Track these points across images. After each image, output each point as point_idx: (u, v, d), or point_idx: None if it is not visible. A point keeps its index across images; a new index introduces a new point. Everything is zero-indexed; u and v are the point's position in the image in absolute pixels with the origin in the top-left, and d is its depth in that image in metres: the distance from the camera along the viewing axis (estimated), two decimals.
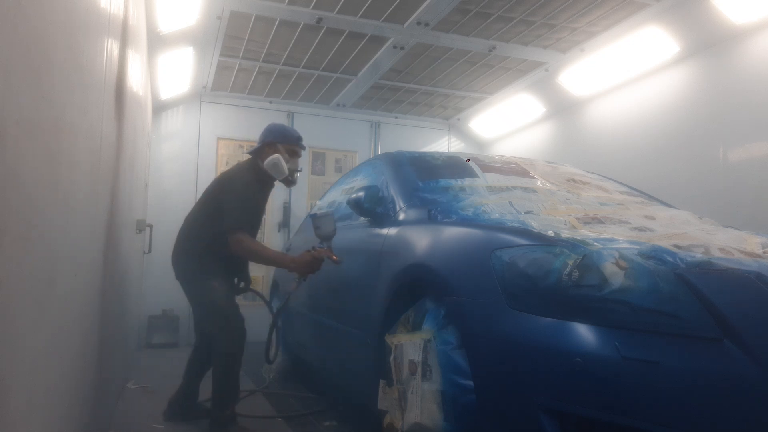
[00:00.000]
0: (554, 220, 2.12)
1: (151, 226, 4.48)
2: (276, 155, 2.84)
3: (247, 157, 3.08)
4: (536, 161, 3.30)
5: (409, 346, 1.99)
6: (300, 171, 3.01)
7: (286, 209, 6.34)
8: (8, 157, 0.83)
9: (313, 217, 2.82)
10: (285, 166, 2.85)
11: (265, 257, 2.82)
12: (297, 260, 2.74)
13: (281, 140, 2.91)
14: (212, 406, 2.75)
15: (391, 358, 2.11)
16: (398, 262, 2.27)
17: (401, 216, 2.56)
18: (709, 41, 4.06)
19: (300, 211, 6.25)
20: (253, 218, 2.89)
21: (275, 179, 2.93)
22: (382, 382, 2.18)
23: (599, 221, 2.14)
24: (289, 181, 2.96)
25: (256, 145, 2.98)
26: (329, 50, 4.99)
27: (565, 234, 1.83)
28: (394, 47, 4.86)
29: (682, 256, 1.57)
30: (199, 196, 5.89)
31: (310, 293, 3.45)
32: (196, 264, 2.83)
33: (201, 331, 3.04)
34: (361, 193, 2.72)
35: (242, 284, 3.10)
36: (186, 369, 3.08)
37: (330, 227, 2.73)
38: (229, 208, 2.73)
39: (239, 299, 2.99)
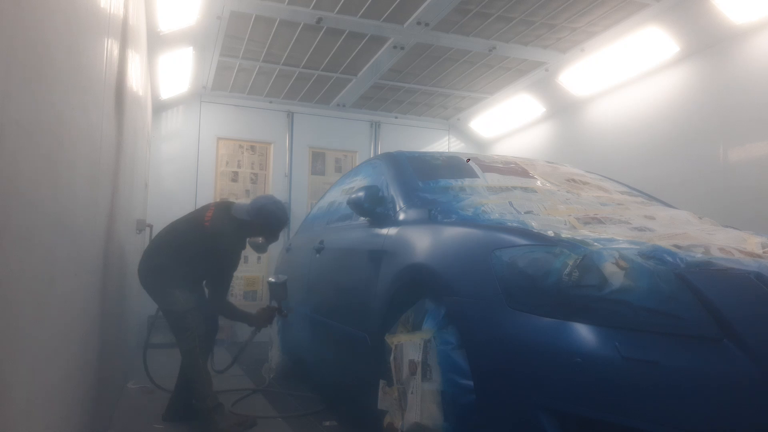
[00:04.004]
0: (554, 220, 2.12)
1: (151, 226, 4.47)
2: (260, 239, 3.20)
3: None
4: (536, 161, 3.30)
5: (409, 346, 1.99)
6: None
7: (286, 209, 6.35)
8: (8, 157, 0.83)
9: (270, 284, 3.46)
10: (266, 247, 3.36)
11: (235, 316, 3.28)
12: (257, 317, 3.26)
13: (267, 225, 3.13)
14: (195, 401, 2.87)
15: (391, 358, 2.10)
16: (398, 262, 2.27)
17: (401, 216, 2.56)
18: (709, 41, 4.06)
19: (300, 210, 6.24)
20: (231, 274, 3.22)
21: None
22: (382, 382, 2.17)
23: (599, 221, 2.14)
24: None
25: (248, 207, 3.12)
26: (329, 50, 4.99)
27: (565, 234, 1.83)
28: (394, 47, 4.86)
29: (682, 256, 1.57)
30: (199, 196, 5.96)
31: (311, 293, 3.45)
32: (163, 278, 2.98)
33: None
34: (361, 193, 2.72)
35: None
36: (178, 375, 3.11)
37: (282, 294, 3.37)
38: (223, 280, 3.11)
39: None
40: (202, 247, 2.95)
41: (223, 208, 3.15)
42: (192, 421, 2.93)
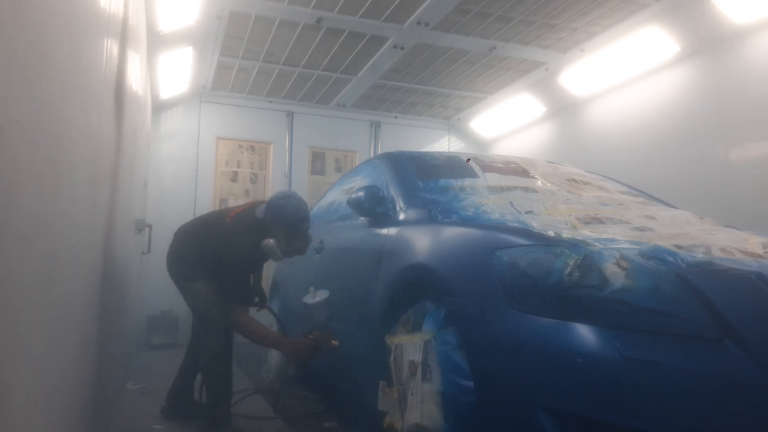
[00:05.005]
0: (555, 220, 2.12)
1: (150, 226, 4.47)
2: (270, 241, 2.71)
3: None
4: (536, 161, 3.30)
5: (409, 346, 1.99)
6: (309, 242, 2.87)
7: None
8: (8, 157, 0.82)
9: (306, 306, 2.77)
10: (278, 252, 2.73)
11: (261, 337, 2.78)
12: (295, 345, 2.73)
13: (277, 224, 2.74)
14: (206, 405, 2.79)
15: (391, 358, 2.10)
16: (398, 263, 2.27)
17: (401, 216, 2.55)
18: (709, 41, 4.06)
19: None
20: (248, 283, 2.87)
21: None
22: (382, 383, 2.17)
23: (600, 221, 2.14)
24: (294, 254, 2.86)
25: (264, 205, 2.85)
26: (329, 50, 4.99)
27: (566, 234, 1.83)
28: (394, 47, 4.86)
29: (683, 256, 1.56)
30: (198, 196, 5.95)
31: None
32: (186, 267, 2.84)
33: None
34: (361, 193, 2.71)
35: (257, 299, 3.03)
36: (180, 366, 3.09)
37: (324, 314, 2.73)
38: (228, 285, 2.72)
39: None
40: (219, 243, 2.74)
41: (252, 206, 2.92)
42: (192, 420, 2.92)
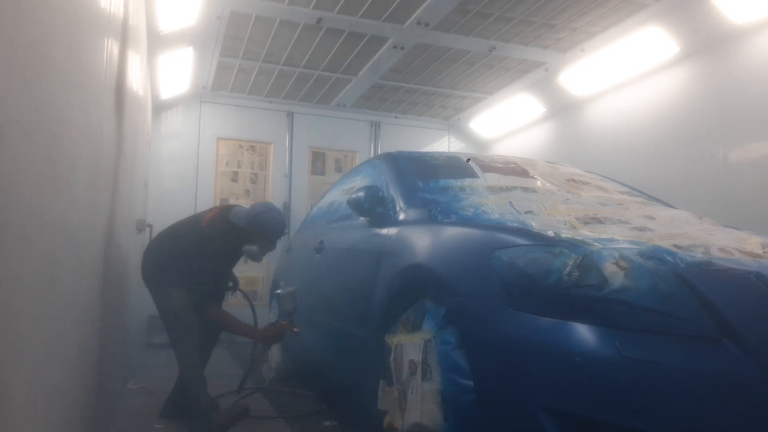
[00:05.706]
0: (554, 220, 2.12)
1: (151, 226, 4.47)
2: (254, 247, 3.00)
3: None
4: (536, 161, 3.30)
5: (409, 346, 1.99)
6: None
7: (286, 209, 6.35)
8: (8, 157, 0.83)
9: (278, 297, 3.19)
10: (260, 256, 3.08)
11: (235, 326, 3.05)
12: (263, 333, 3.08)
13: (263, 232, 3.01)
14: (191, 401, 2.88)
15: (391, 358, 2.11)
16: (398, 263, 2.27)
17: (401, 216, 2.56)
18: (709, 41, 4.06)
19: (300, 211, 6.25)
20: (224, 280, 3.18)
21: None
22: (382, 382, 2.17)
23: (599, 221, 2.14)
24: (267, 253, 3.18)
25: (245, 213, 3.05)
26: (329, 50, 4.99)
27: (565, 234, 1.83)
28: (394, 47, 4.86)
29: (682, 256, 1.57)
30: (199, 196, 5.96)
31: (311, 293, 3.45)
32: (160, 276, 2.98)
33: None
34: (361, 193, 2.72)
35: (230, 284, 3.27)
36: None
37: (291, 305, 3.11)
38: (208, 284, 2.96)
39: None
40: (197, 248, 2.92)
41: (224, 211, 3.13)
42: (190, 420, 2.93)
